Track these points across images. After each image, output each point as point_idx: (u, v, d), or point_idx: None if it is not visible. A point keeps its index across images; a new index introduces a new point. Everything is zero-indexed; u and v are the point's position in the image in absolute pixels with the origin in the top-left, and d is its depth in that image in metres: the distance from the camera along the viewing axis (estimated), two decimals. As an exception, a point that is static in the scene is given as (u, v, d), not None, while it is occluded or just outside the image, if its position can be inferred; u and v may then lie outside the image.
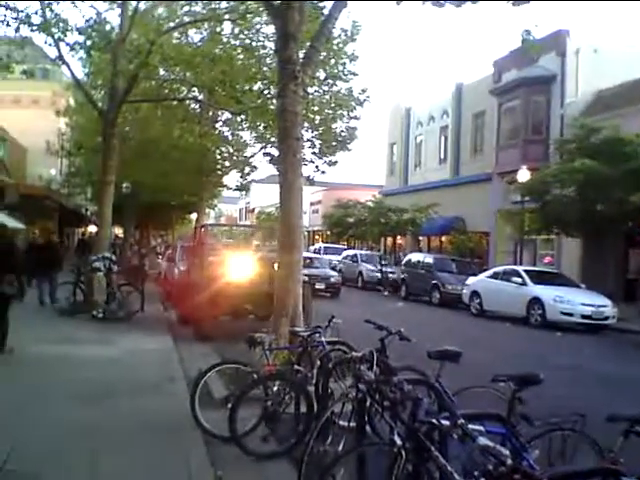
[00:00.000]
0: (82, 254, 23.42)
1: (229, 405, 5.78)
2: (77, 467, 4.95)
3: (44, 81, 31.67)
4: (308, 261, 23.72)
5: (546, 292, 18.23)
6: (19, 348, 9.61)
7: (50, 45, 15.10)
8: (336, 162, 23.53)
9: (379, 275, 29.53)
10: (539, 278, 19.49)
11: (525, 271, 20.08)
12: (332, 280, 24.14)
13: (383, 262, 30.68)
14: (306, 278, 20.59)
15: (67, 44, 15.17)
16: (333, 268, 27.02)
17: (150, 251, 35.49)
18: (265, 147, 23.56)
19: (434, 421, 3.57)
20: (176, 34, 18.74)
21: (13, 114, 32.42)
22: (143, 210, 33.52)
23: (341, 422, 5.21)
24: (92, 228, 42.33)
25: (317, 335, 6.59)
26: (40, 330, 11.86)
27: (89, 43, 15.40)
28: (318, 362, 6.21)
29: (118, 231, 45.18)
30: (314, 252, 36.65)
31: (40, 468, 4.83)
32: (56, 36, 14.80)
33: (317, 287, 22.26)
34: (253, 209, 75.14)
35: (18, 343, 10.04)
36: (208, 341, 10.63)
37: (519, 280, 19.41)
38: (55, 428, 5.88)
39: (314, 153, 22.86)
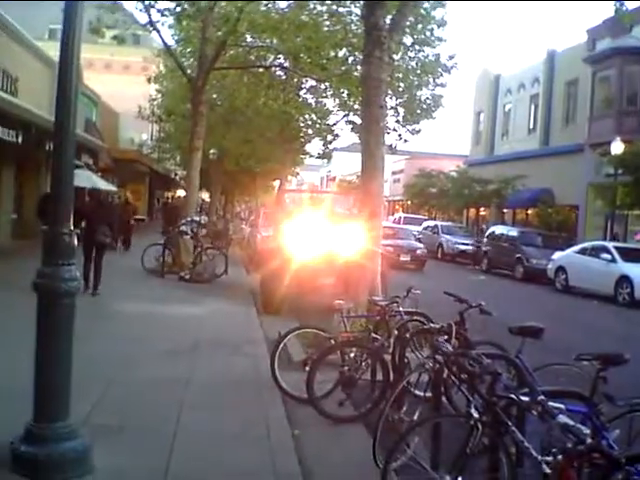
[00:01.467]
0: (167, 217, 24.26)
1: (307, 368, 5.92)
2: (161, 419, 5.21)
3: (135, 47, 32.46)
4: (392, 232, 23.59)
5: (636, 270, 17.42)
6: (112, 304, 10.18)
7: (140, 11, 15.52)
8: (420, 130, 23.15)
9: (460, 247, 29.07)
10: (629, 255, 18.61)
11: (615, 247, 19.23)
12: (418, 252, 23.64)
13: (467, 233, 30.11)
14: (390, 249, 20.87)
15: (158, 10, 15.54)
16: (418, 239, 26.62)
17: (234, 216, 36.32)
18: (348, 115, 23.44)
19: (513, 396, 3.54)
20: (263, 1, 18.80)
21: (105, 79, 33.51)
22: (228, 176, 34.19)
23: (417, 392, 5.23)
24: (180, 192, 43.71)
25: (395, 305, 6.60)
26: (131, 288, 12.49)
27: (179, 10, 15.71)
28: (395, 331, 6.23)
29: (204, 196, 46.37)
30: (393, 222, 36.42)
31: (125, 421, 5.09)
32: (146, 2, 15.17)
33: (402, 259, 22.13)
34: (334, 177, 75.22)
35: (111, 299, 10.64)
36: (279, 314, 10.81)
37: (608, 257, 18.62)
38: (141, 382, 6.21)
39: (397, 121, 22.55)
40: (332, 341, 6.23)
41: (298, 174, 47.30)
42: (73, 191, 4.13)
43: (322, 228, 11.76)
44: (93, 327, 8.07)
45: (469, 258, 28.57)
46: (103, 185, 22.28)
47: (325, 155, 28.05)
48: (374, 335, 6.36)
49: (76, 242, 4.10)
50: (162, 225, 24.96)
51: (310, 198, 16.43)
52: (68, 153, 4.00)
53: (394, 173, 55.87)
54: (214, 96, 22.54)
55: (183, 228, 15.28)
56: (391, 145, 22.08)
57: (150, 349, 7.62)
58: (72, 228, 4.06)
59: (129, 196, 26.09)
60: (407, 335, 6.11)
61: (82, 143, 20.07)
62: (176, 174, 45.16)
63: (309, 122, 25.97)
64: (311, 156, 30.11)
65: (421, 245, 24.79)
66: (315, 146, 31.84)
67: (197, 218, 15.68)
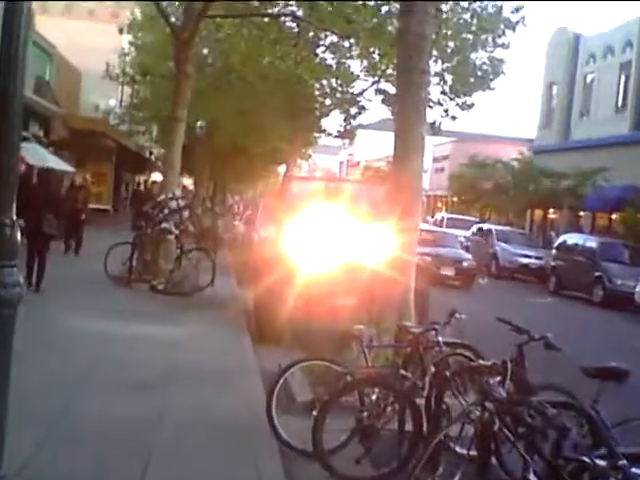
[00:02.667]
0: (138, 209, 24.35)
1: (314, 412, 5.92)
2: (121, 473, 5.22)
3: (104, -14, 32.80)
4: (432, 237, 23.53)
5: None
6: (62, 318, 10.26)
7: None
8: (472, 105, 23.16)
9: (521, 259, 29.01)
10: None
11: None
12: (465, 265, 23.50)
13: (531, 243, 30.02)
14: (429, 259, 20.79)
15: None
16: (466, 248, 26.54)
17: (226, 210, 36.42)
18: (378, 82, 23.54)
19: (585, 459, 3.52)
20: None
21: (63, 27, 33.63)
22: (219, 158, 34.35)
23: (458, 449, 5.22)
24: (156, 176, 43.97)
25: (433, 333, 6.58)
26: (89, 298, 12.55)
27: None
28: (432, 368, 6.21)
29: (188, 182, 46.59)
30: (434, 224, 36.39)
31: (73, 473, 5.09)
32: None
33: (443, 273, 22.14)
34: (357, 163, 75.39)
35: (64, 312, 10.69)
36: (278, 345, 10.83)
37: None
38: (97, 422, 6.22)
39: (443, 92, 22.59)
40: (348, 378, 6.22)
41: (310, 157, 47.46)
42: (18, 171, 4.16)
43: (340, 230, 11.74)
44: (39, 347, 8.11)
45: (532, 275, 28.48)
46: (55, 163, 22.44)
47: (347, 134, 28.21)
48: (403, 372, 6.34)
49: (19, 236, 4.13)
50: (132, 218, 25.08)
51: (325, 189, 16.39)
52: (13, 122, 4.03)
53: (436, 160, 55.95)
54: (204, 52, 22.71)
55: (165, 226, 15.35)
56: (434, 123, 22.14)
57: (111, 379, 7.64)
58: (15, 218, 4.08)
59: (87, 179, 26.13)
60: (447, 374, 6.09)
61: (30, 107, 20.23)
62: (151, 153, 45.44)
63: (327, 90, 26.09)
64: (328, 134, 30.26)
65: (469, 256, 24.74)
66: (334, 122, 31.83)
67: (176, 205, 15.65)
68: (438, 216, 41.00)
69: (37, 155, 20.01)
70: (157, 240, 15.52)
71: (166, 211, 15.58)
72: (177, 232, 15.32)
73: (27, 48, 4.11)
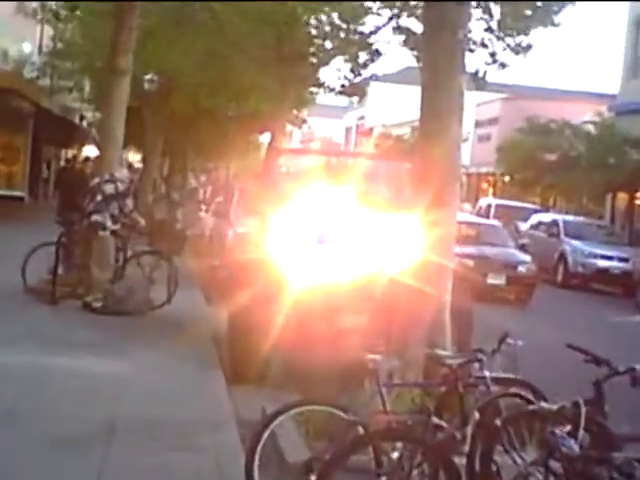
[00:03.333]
0: (66, 194, 24.22)
1: (312, 478, 5.92)
2: None
3: None
4: (475, 232, 23.52)
5: None
6: None
7: None
8: (530, 47, 23.11)
9: (599, 262, 28.97)
10: None
11: None
12: (521, 270, 23.51)
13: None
14: (469, 263, 20.71)
15: None
16: (522, 247, 26.44)
17: (187, 197, 36.39)
18: (398, 16, 23.47)
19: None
20: None
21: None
22: (178, 124, 34.33)
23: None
24: (90, 150, 43.85)
25: (477, 366, 6.59)
26: (2, 324, 12.54)
27: None
28: (476, 414, 6.22)
29: (134, 158, 46.59)
30: (477, 213, 36.36)
31: None
32: None
33: (491, 281, 22.19)
34: (370, 129, 75.40)
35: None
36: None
37: None
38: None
39: (489, 29, 22.54)
40: (359, 429, 6.23)
41: (305, 122, 47.44)
42: None
43: (347, 223, 11.75)
44: None
45: (615, 283, 28.50)
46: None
47: (355, 89, 28.10)
48: (436, 420, 6.35)
49: None
50: (57, 208, 25.01)
51: (326, 166, 16.41)
52: None
53: (480, 125, 56.05)
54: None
55: (97, 217, 15.30)
56: (477, 73, 22.10)
57: (29, 433, 7.64)
58: None
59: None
60: (497, 422, 6.11)
61: None
62: (83, 117, 45.35)
63: (327, 28, 26.00)
64: (329, 90, 30.16)
65: (527, 257, 24.67)
66: (337, 73, 31.80)
67: (114, 188, 15.56)
68: (483, 202, 40.98)
69: None
70: (87, 239, 15.46)
71: (99, 198, 15.46)
72: (114, 227, 15.22)
73: None
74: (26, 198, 37.44)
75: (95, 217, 15.28)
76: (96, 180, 15.91)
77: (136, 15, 17.06)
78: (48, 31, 36.81)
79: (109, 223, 15.21)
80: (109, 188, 15.65)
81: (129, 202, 15.65)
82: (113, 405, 8.90)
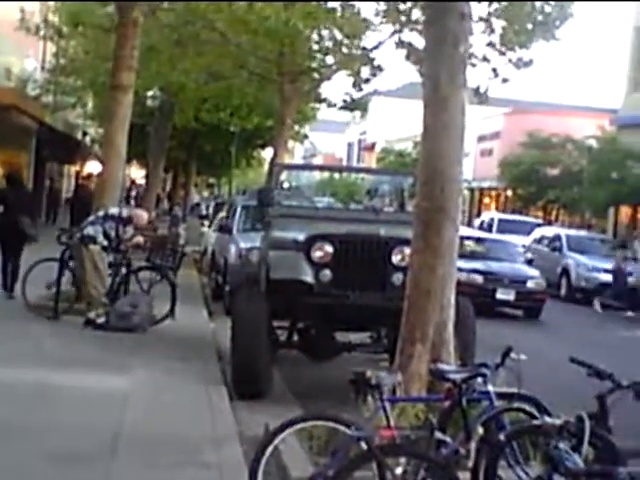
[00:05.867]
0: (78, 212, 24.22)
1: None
2: None
3: None
4: (482, 248, 23.42)
5: None
6: None
7: None
8: (531, 62, 23.13)
9: (602, 276, 28.86)
10: None
11: None
12: (530, 286, 23.24)
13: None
14: (478, 279, 20.69)
15: None
16: (529, 262, 26.32)
17: (190, 212, 36.37)
18: (401, 31, 23.48)
19: None
20: None
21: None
22: (180, 140, 34.34)
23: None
24: (93, 166, 43.90)
25: (480, 380, 6.56)
26: (3, 341, 12.51)
27: None
28: (480, 429, 6.18)
29: (137, 174, 46.59)
30: (479, 227, 36.32)
31: None
32: None
33: (501, 297, 22.16)
34: (373, 144, 75.41)
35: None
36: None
37: None
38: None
39: (491, 44, 22.56)
40: (363, 444, 6.19)
41: (307, 138, 47.50)
42: None
43: (347, 236, 11.74)
44: None
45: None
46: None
47: (356, 104, 28.09)
48: (440, 435, 6.32)
49: None
50: (69, 225, 24.98)
51: (328, 181, 16.42)
52: None
53: (482, 139, 56.02)
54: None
55: (89, 231, 15.26)
56: (478, 89, 22.08)
57: (31, 451, 7.60)
58: None
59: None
60: (501, 437, 6.07)
61: None
62: (85, 134, 45.38)
63: (329, 43, 26.03)
64: (332, 105, 30.19)
65: (535, 272, 24.47)
66: (339, 88, 31.77)
67: (115, 211, 15.57)
68: (485, 216, 40.94)
69: None
70: (79, 254, 15.42)
71: (100, 213, 15.47)
72: (105, 243, 15.13)
73: None
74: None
75: (87, 230, 15.24)
76: (91, 218, 15.84)
77: (138, 32, 17.08)
78: (51, 48, 36.83)
79: (100, 238, 15.12)
80: (114, 210, 15.65)
81: (129, 230, 15.55)
82: (116, 421, 8.85)
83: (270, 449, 6.41)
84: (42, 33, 30.00)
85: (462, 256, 15.72)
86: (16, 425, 8.34)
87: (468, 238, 23.75)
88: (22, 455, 7.51)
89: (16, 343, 12.44)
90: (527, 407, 6.67)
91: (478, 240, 25.06)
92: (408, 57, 22.95)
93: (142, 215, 16.36)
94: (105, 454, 7.73)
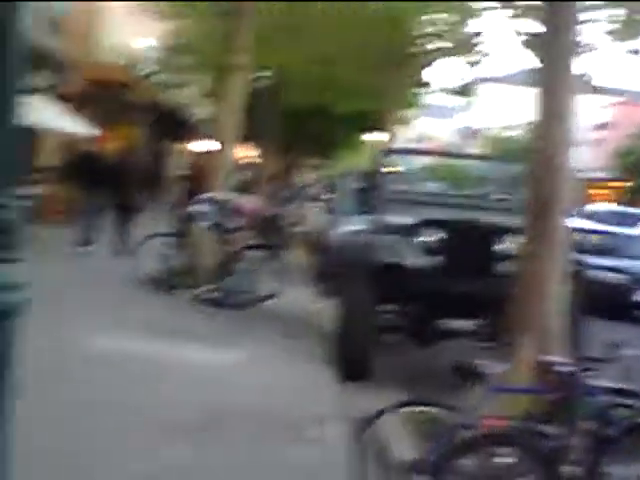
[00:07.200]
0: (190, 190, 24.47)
1: (417, 478, 5.86)
2: None
3: None
4: (595, 238, 22.90)
5: None
6: (79, 338, 10.58)
7: None
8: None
9: None
10: None
11: None
12: None
13: None
14: (611, 277, 19.94)
15: None
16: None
17: (298, 193, 36.34)
18: (516, 17, 23.12)
19: None
20: None
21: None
22: (288, 121, 34.37)
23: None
24: (204, 145, 44.08)
25: (589, 374, 6.45)
26: (117, 311, 12.91)
27: None
28: (587, 424, 6.09)
29: (247, 155, 46.81)
30: (587, 217, 35.73)
31: None
32: None
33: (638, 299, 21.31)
34: (481, 131, 74.67)
35: (78, 329, 10.96)
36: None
37: None
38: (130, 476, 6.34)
39: (600, 33, 22.08)
40: (467, 431, 6.14)
41: (411, 122, 47.10)
42: (20, 134, 4.20)
43: (456, 222, 11.69)
44: (45, 376, 8.25)
45: None
46: (68, 125, 22.90)
47: (465, 90, 27.81)
48: (545, 428, 6.24)
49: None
50: (176, 200, 25.17)
51: (436, 166, 16.34)
52: (12, 68, 4.05)
53: (593, 129, 55.10)
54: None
55: (198, 209, 15.45)
56: (589, 78, 21.65)
57: (137, 419, 7.79)
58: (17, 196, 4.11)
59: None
60: (608, 432, 5.98)
61: (37, 51, 20.61)
62: (193, 113, 45.64)
63: (431, 29, 25.68)
64: (437, 91, 29.93)
65: None
66: (444, 73, 31.43)
67: (227, 196, 15.77)
68: (596, 207, 40.13)
69: (44, 113, 20.40)
70: (189, 231, 15.66)
71: (210, 194, 15.70)
72: (213, 222, 15.33)
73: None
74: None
75: (197, 208, 15.43)
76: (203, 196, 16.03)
77: (254, 15, 17.17)
78: (166, 27, 37.12)
79: (209, 217, 15.31)
80: (223, 195, 15.81)
81: (240, 221, 15.69)
82: (223, 396, 9.00)
83: (373, 431, 6.41)
84: (157, 13, 30.29)
85: (589, 251, 15.35)
86: (127, 398, 8.52)
87: (594, 232, 22.91)
88: (126, 420, 7.74)
89: (127, 315, 12.78)
90: (637, 403, 6.55)
91: (606, 234, 23.99)
92: (525, 44, 22.65)
93: (250, 201, 16.54)
94: (209, 426, 7.89)
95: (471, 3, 24.02)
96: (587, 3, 16.97)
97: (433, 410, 6.73)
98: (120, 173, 19.24)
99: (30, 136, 21.65)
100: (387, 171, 14.56)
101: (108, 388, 8.79)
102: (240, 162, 37.73)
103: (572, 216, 15.66)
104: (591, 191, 56.50)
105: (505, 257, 10.99)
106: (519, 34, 22.56)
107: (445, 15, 25.07)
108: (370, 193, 13.67)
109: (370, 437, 6.37)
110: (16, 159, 4.13)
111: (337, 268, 12.55)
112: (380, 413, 6.53)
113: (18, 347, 4.05)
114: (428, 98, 34.49)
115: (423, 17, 24.94)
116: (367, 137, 46.04)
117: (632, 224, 33.67)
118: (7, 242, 4.03)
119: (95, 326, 11.52)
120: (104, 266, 17.13)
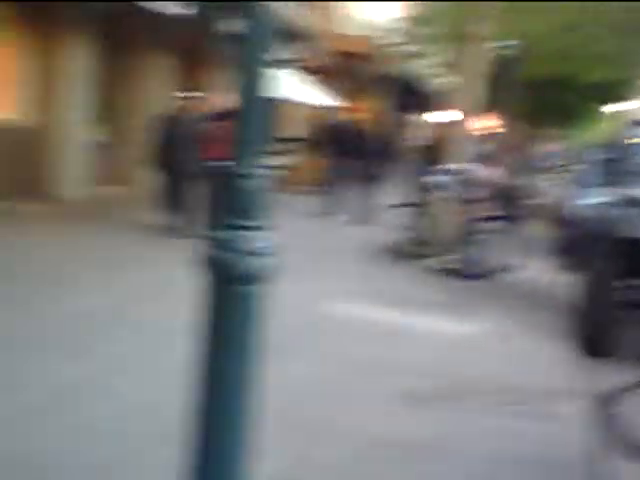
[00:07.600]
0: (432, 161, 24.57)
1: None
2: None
3: None
4: None
5: None
6: (317, 302, 10.98)
7: None
8: None
9: None
10: None
11: None
12: None
13: None
14: None
15: None
16: None
17: (539, 164, 35.60)
18: None
19: None
20: None
21: None
22: (530, 92, 33.73)
23: None
24: (442, 115, 43.82)
25: None
26: (353, 279, 13.21)
27: None
28: None
29: (490, 125, 46.23)
30: None
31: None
32: None
33: None
34: None
35: (317, 293, 11.32)
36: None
37: None
38: (360, 442, 6.50)
39: None
40: None
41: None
42: (272, 106, 4.34)
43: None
44: (294, 341, 8.67)
45: None
46: (314, 97, 23.39)
47: None
48: None
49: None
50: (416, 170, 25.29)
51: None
52: (262, 42, 4.17)
53: None
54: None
55: (437, 180, 15.47)
56: None
57: (374, 386, 7.95)
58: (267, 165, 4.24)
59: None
60: None
61: (283, 22, 21.07)
62: (428, 84, 45.44)
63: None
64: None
65: None
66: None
67: (464, 168, 15.66)
68: None
69: (291, 85, 20.90)
70: (429, 201, 15.70)
71: (449, 166, 15.62)
72: (452, 193, 15.28)
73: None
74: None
75: (437, 179, 15.43)
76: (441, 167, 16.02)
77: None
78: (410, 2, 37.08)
79: (449, 188, 15.27)
80: (461, 166, 15.76)
81: (479, 192, 15.57)
82: (463, 366, 9.07)
83: (612, 409, 6.29)
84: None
85: None
86: (359, 359, 8.77)
87: None
88: (363, 386, 7.91)
89: (371, 283, 13.07)
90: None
91: None
92: None
93: (490, 172, 16.35)
94: (444, 396, 7.95)
95: None
96: None
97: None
98: (366, 144, 19.48)
99: (277, 108, 22.21)
100: (633, 143, 14.14)
101: (351, 345, 9.18)
102: (482, 132, 37.43)
103: None
104: None
105: None
106: None
107: None
108: (615, 165, 13.27)
109: (609, 416, 6.26)
110: (263, 131, 4.26)
111: (581, 242, 12.24)
112: (621, 391, 6.40)
113: (265, 311, 4.18)
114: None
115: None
116: (608, 108, 44.63)
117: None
118: (252, 210, 4.18)
119: (337, 292, 11.86)
120: (347, 234, 17.47)
